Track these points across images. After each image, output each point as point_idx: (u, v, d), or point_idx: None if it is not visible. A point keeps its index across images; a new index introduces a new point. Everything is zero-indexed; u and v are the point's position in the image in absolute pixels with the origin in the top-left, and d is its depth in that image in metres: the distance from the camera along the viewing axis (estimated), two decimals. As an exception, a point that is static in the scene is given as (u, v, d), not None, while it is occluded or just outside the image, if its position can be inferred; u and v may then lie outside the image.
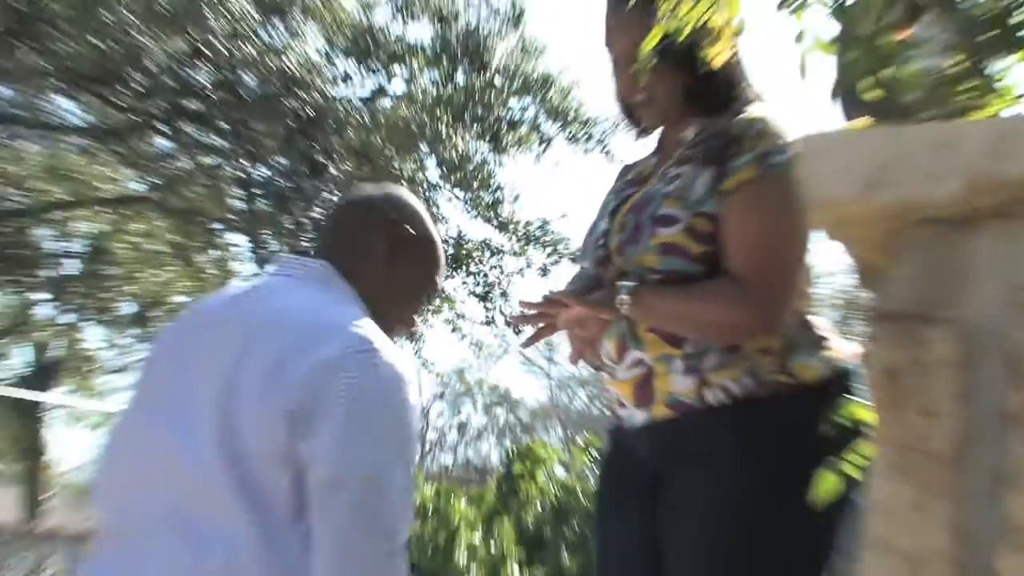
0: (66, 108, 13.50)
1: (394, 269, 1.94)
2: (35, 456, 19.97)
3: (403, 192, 2.15)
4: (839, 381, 1.86)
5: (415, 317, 2.09)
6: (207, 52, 11.27)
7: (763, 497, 1.83)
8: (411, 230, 1.95)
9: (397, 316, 1.99)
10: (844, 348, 1.90)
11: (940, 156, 1.22)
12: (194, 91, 12.29)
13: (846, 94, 1.44)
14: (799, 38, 1.49)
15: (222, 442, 1.67)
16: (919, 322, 1.22)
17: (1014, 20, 1.39)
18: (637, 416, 1.96)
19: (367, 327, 1.78)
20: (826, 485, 1.50)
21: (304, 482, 1.65)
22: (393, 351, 1.79)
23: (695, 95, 1.97)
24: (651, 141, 2.15)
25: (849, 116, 1.43)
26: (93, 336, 18.94)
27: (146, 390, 1.90)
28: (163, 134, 12.99)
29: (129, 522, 1.81)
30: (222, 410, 1.68)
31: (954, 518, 1.19)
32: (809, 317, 1.93)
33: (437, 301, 12.20)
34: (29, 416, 19.38)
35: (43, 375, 19.33)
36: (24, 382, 18.84)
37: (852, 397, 1.77)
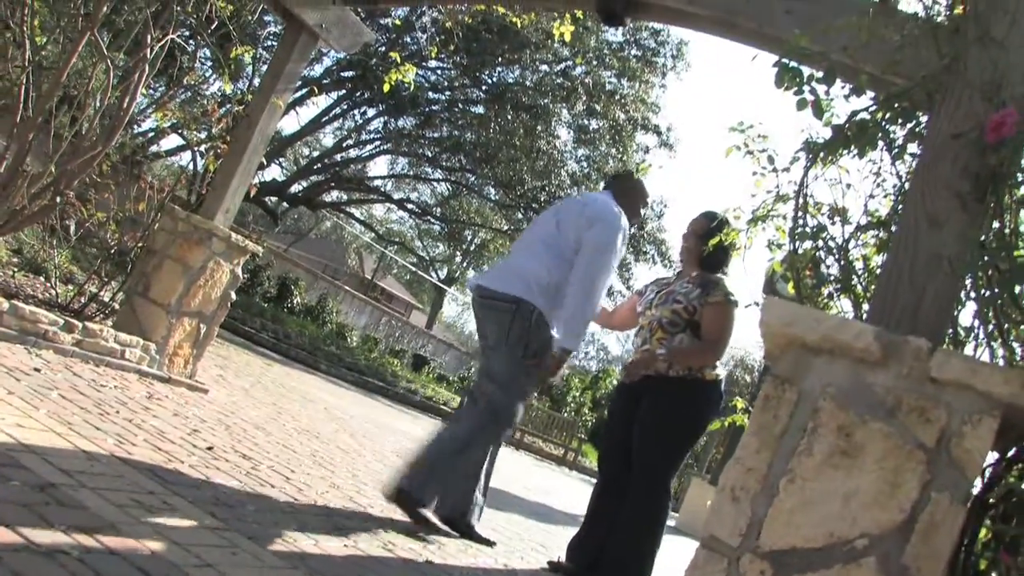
0: (492, 193, 26.44)
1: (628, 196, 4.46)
2: (437, 307, 46.06)
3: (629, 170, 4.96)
4: (718, 381, 3.94)
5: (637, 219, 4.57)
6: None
7: (678, 411, 3.96)
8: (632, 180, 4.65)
9: (631, 214, 4.43)
10: (722, 372, 3.94)
11: (814, 323, 1.99)
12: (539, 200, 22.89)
13: (768, 287, 2.42)
14: (769, 265, 2.55)
15: (554, 234, 4.19)
16: (784, 381, 2.01)
17: (850, 281, 2.41)
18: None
19: (614, 209, 4.26)
20: (716, 424, 2.81)
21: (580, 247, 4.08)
22: (617, 217, 4.23)
23: (703, 262, 4.16)
24: (678, 270, 4.51)
25: (772, 293, 2.40)
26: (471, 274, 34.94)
27: (546, 216, 4.45)
28: (521, 213, 25.27)
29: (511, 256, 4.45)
30: (556, 228, 4.21)
31: (771, 458, 1.97)
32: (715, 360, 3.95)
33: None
34: (440, 294, 44.81)
35: (448, 282, 41.74)
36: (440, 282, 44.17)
37: (722, 387, 3.91)
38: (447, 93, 23.96)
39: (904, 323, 2.15)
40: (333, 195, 30.53)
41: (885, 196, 3.00)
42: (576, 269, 4.11)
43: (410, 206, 30.48)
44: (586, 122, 23.78)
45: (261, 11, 7.69)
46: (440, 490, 4.14)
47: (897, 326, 2.14)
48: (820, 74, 2.85)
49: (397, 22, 17.93)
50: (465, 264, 43.65)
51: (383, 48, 19.59)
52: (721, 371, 4.15)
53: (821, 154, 2.82)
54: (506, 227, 28.48)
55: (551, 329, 4.13)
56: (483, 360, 4.40)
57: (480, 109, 23.45)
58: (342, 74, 21.64)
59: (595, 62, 22.26)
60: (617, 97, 22.74)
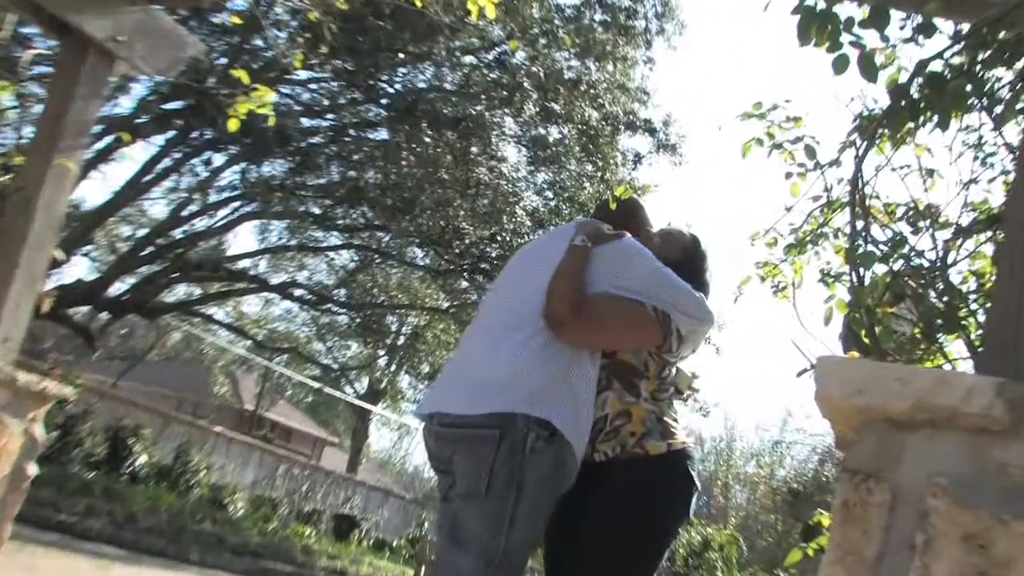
0: (418, 256, 27.39)
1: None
2: (361, 438, 49.71)
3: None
4: (673, 455, 3.70)
5: None
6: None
7: (604, 511, 3.78)
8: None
9: None
10: (682, 437, 3.71)
11: (898, 385, 1.98)
12: (489, 258, 23.76)
13: (847, 337, 2.39)
14: (827, 302, 2.55)
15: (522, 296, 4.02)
16: (868, 477, 1.98)
17: (958, 313, 2.42)
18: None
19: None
20: (796, 554, 2.71)
21: None
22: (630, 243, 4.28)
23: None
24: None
25: (846, 350, 2.38)
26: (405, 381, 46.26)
27: (501, 280, 4.47)
28: (466, 279, 26.26)
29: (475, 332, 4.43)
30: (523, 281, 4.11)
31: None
32: (664, 417, 3.76)
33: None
34: (362, 417, 48.09)
35: (373, 397, 46.58)
36: (361, 398, 46.30)
37: (688, 461, 3.68)
38: (330, 116, 23.93)
39: (1036, 367, 2.14)
40: (178, 291, 30.29)
41: (992, 180, 3.00)
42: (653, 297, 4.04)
43: (299, 292, 30.09)
44: (543, 131, 23.56)
45: (22, 24, 7.64)
46: None
47: (1025, 373, 2.12)
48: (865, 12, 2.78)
49: (236, 20, 17.79)
50: (393, 367, 43.40)
51: (223, 61, 19.53)
52: (681, 436, 3.85)
53: (882, 131, 2.82)
54: (445, 303, 28.42)
55: (572, 456, 3.85)
56: (445, 518, 4.04)
57: (383, 133, 23.40)
58: (164, 107, 21.42)
59: (543, 41, 22.34)
60: (583, 87, 22.68)
